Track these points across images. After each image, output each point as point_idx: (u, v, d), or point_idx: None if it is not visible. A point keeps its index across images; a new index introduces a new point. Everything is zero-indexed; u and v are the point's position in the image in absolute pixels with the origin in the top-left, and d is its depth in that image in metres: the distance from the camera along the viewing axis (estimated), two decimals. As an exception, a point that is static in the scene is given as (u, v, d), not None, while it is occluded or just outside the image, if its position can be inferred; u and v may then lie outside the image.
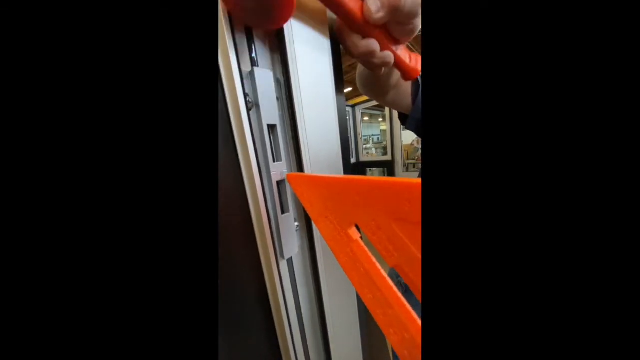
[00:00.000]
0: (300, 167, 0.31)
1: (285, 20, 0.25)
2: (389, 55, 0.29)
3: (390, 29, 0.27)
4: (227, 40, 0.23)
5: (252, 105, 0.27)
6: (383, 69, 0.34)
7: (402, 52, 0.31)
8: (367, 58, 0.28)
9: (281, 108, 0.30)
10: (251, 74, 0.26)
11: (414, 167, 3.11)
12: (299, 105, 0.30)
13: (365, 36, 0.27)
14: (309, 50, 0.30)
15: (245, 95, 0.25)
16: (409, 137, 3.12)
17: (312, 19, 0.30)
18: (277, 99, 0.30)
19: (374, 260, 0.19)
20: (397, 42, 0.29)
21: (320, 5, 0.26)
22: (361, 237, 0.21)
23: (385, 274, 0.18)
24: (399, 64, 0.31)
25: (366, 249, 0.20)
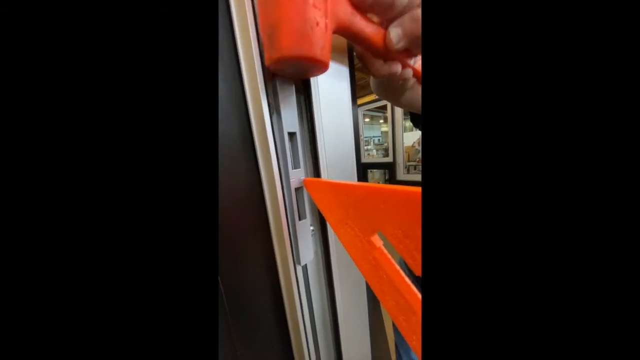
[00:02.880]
0: (317, 174, 0.32)
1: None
2: (408, 72, 0.30)
3: (411, 50, 0.27)
4: (252, 43, 0.23)
5: (273, 111, 0.27)
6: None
7: (420, 62, 0.32)
8: (389, 78, 0.29)
9: (300, 116, 0.30)
10: (273, 82, 0.27)
11: (415, 169, 3.11)
12: (318, 113, 0.30)
13: (386, 60, 0.28)
14: (329, 80, 0.31)
15: (269, 102, 0.26)
16: (410, 139, 3.12)
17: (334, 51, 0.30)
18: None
19: (398, 267, 0.19)
20: (415, 54, 0.30)
21: (342, 39, 0.26)
22: (383, 244, 0.21)
23: (409, 281, 0.18)
24: (417, 73, 0.32)
25: (389, 256, 0.20)
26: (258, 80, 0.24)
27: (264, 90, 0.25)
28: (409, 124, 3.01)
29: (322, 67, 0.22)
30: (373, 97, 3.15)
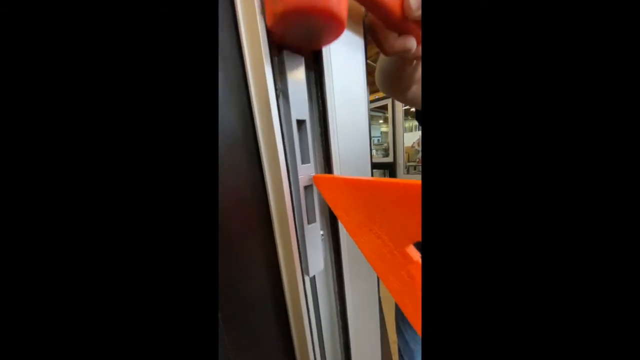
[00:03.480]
0: (329, 170, 0.27)
1: (330, 42, 0.22)
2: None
3: None
4: (258, 17, 0.19)
5: (280, 93, 0.23)
6: (414, 61, 0.33)
7: None
8: (402, 55, 0.27)
9: (310, 103, 0.26)
10: (280, 58, 0.22)
11: (414, 169, 3.12)
12: (331, 100, 0.26)
13: (401, 33, 0.25)
14: (343, 49, 0.26)
15: (275, 82, 0.21)
16: (409, 139, 3.13)
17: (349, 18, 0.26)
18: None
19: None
20: None
21: (355, 4, 0.23)
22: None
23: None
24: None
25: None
26: (263, 53, 0.19)
27: (270, 66, 0.20)
28: (408, 124, 3.03)
29: (337, 25, 0.18)
30: (372, 97, 3.12)
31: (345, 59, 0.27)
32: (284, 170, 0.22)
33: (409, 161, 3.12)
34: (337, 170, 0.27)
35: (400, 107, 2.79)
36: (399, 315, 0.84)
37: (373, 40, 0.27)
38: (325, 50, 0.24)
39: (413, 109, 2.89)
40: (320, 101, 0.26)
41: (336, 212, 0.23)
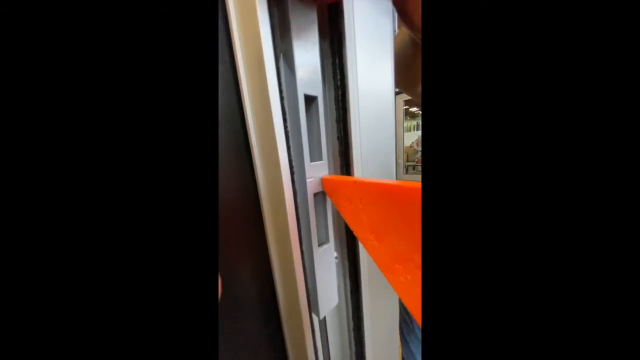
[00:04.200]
0: (347, 170, 0.20)
1: None
2: None
3: None
4: None
5: (280, 56, 0.15)
6: None
7: None
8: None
9: (323, 73, 0.18)
10: (281, 6, 0.15)
11: (413, 169, 3.16)
12: (353, 72, 0.18)
13: None
14: (366, 5, 0.19)
15: (274, 39, 0.14)
16: (408, 139, 3.16)
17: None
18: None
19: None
20: None
21: None
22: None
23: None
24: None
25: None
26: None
27: (266, 17, 0.13)
28: (407, 124, 3.04)
29: None
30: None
31: (371, 18, 0.19)
32: (285, 171, 0.15)
33: (407, 161, 3.15)
34: (358, 171, 0.20)
35: (400, 107, 2.77)
36: (403, 323, 0.79)
37: (399, 11, 0.22)
38: (346, 3, 0.17)
39: (413, 109, 2.88)
40: (338, 72, 0.18)
41: (359, 235, 0.16)
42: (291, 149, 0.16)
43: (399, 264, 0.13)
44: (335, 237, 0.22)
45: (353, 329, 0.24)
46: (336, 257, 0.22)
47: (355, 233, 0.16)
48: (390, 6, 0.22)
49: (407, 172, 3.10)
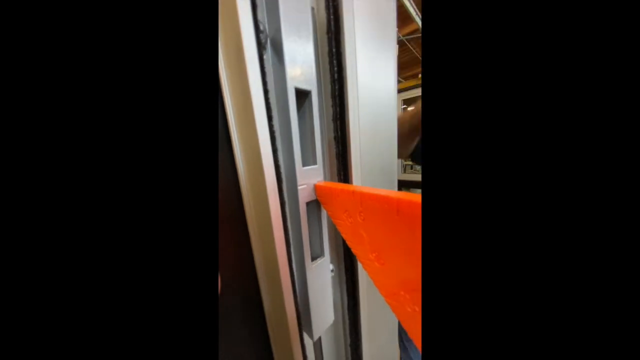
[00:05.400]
0: (344, 176, 0.18)
1: None
2: None
3: None
4: None
5: (266, 42, 0.13)
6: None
7: None
8: None
9: (317, 58, 0.16)
10: None
11: (411, 168, 3.16)
12: (352, 64, 0.16)
13: None
14: None
15: (255, 19, 0.11)
16: None
17: None
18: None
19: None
20: None
21: None
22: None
23: None
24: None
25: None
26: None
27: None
28: None
29: None
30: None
31: (373, 1, 0.17)
32: (269, 177, 0.13)
33: (405, 161, 3.14)
34: (357, 177, 0.18)
35: (399, 106, 2.75)
36: (402, 330, 0.77)
37: None
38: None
39: (411, 109, 2.88)
40: (335, 62, 0.16)
41: (358, 253, 0.14)
42: (279, 152, 0.14)
43: (405, 292, 0.11)
44: (332, 248, 0.19)
45: (350, 345, 0.22)
46: (332, 271, 0.20)
47: (353, 251, 0.14)
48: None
49: (404, 171, 3.09)
